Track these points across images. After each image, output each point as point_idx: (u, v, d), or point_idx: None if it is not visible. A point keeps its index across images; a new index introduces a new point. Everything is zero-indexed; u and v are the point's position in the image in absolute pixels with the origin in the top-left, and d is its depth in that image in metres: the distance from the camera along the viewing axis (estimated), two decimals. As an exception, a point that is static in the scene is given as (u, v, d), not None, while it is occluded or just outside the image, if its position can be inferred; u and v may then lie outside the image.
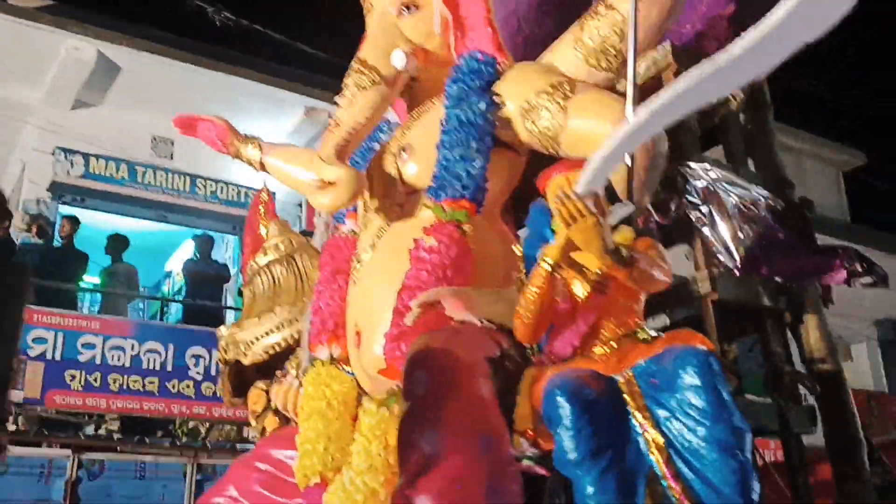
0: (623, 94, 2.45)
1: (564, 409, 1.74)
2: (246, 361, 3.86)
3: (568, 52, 2.79)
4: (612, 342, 1.97)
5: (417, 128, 2.96)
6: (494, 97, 2.75)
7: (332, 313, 3.04)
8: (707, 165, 2.34)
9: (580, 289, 1.95)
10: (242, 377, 4.13)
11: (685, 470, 1.66)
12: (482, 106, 2.71)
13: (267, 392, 4.12)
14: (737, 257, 2.40)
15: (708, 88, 1.61)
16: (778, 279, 2.45)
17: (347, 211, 3.28)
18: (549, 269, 1.92)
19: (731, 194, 2.33)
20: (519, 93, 2.73)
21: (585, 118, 2.54)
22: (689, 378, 1.68)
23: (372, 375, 2.69)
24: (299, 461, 2.70)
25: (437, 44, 3.07)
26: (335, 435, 2.69)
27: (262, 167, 4.29)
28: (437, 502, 1.75)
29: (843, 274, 2.37)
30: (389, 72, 2.95)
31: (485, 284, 2.52)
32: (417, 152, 2.88)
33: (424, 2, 3.11)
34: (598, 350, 1.98)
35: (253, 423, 4.38)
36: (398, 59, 2.95)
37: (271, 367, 4.03)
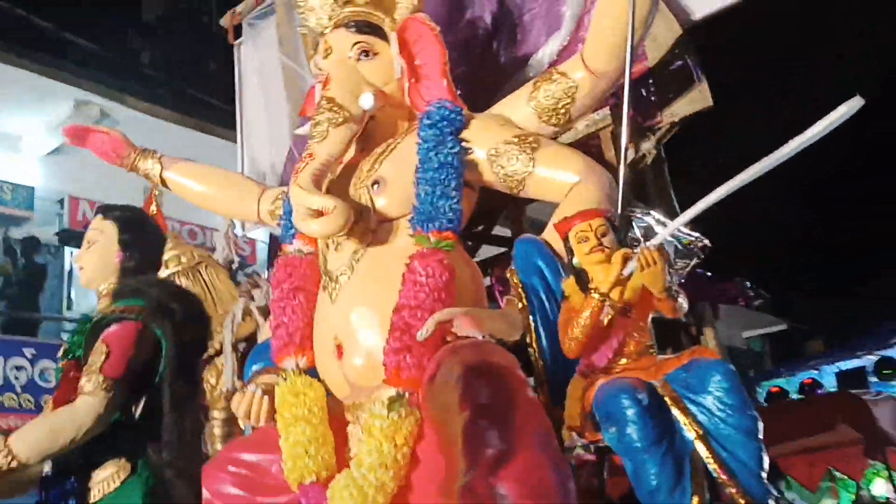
0: (567, 145, 3.08)
1: (630, 408, 2.27)
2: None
3: (522, 107, 3.33)
4: (633, 355, 2.53)
5: (387, 164, 3.32)
6: (463, 143, 3.21)
7: (297, 328, 3.31)
8: (648, 211, 2.98)
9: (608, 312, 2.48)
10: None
11: (720, 450, 2.26)
12: (455, 150, 3.16)
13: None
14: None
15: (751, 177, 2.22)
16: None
17: (297, 232, 3.55)
18: (601, 300, 2.44)
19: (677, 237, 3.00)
20: (486, 140, 3.22)
21: (551, 167, 3.10)
22: (719, 382, 2.29)
23: (353, 383, 3.04)
24: (293, 462, 2.94)
25: (393, 87, 3.46)
26: (322, 437, 2.99)
27: (163, 182, 4.36)
28: (519, 487, 2.20)
29: (741, 300, 3.13)
30: (357, 111, 3.29)
31: (462, 303, 2.98)
32: (390, 186, 3.25)
33: (381, 49, 3.49)
34: (622, 361, 2.53)
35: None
36: (367, 101, 3.30)
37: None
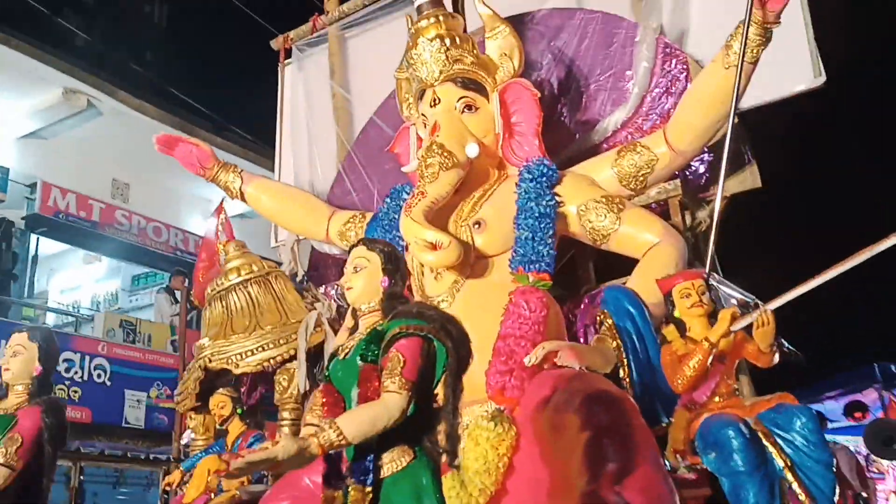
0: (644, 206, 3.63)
1: (735, 438, 2.78)
2: (237, 371, 4.27)
3: (606, 170, 3.86)
4: (725, 395, 3.05)
5: (487, 208, 3.78)
6: (556, 197, 3.70)
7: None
8: (717, 276, 3.53)
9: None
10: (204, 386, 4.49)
11: (804, 479, 2.79)
12: (553, 203, 3.66)
13: (232, 399, 4.53)
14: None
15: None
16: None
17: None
18: (711, 347, 2.96)
19: (731, 296, 3.55)
20: (577, 197, 3.73)
21: (635, 227, 3.63)
22: (805, 423, 2.83)
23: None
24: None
25: (490, 139, 3.94)
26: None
27: (241, 195, 4.73)
28: (641, 496, 2.68)
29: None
30: (463, 157, 3.77)
31: (551, 336, 3.45)
32: (490, 227, 3.72)
33: (482, 105, 3.98)
34: (717, 400, 3.04)
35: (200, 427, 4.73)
36: (473, 150, 3.78)
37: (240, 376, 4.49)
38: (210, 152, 4.71)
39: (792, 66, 4.01)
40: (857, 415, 10.12)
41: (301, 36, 6.15)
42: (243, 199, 4.77)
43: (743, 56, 3.38)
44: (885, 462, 8.89)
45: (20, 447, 2.95)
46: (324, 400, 2.24)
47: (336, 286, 4.80)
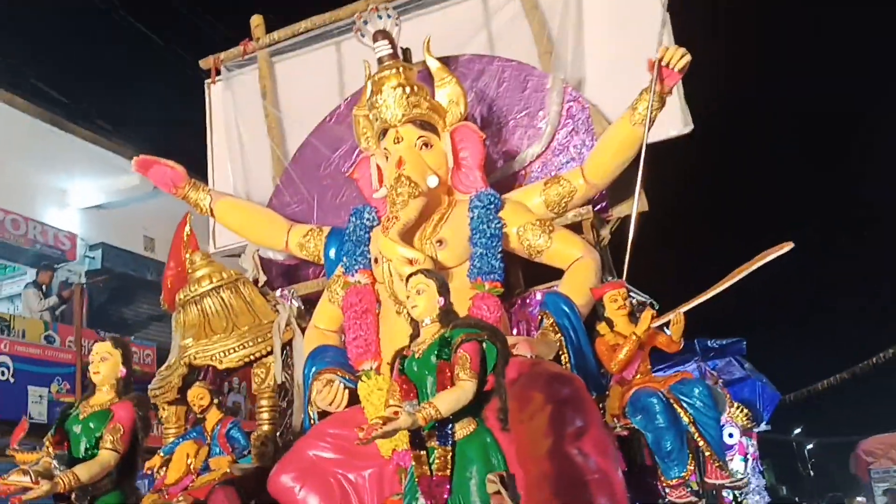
0: (566, 227, 4.69)
1: (657, 403, 3.85)
2: (220, 367, 4.94)
3: (535, 198, 4.88)
4: (645, 373, 4.12)
5: (446, 228, 4.67)
6: (501, 220, 4.66)
7: (371, 340, 4.57)
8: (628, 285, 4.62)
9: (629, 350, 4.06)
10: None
11: (702, 430, 3.89)
12: (500, 225, 4.61)
13: (210, 391, 5.18)
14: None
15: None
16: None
17: (360, 268, 4.77)
18: (637, 339, 4.00)
19: (634, 298, 4.66)
20: (517, 220, 4.70)
21: (563, 245, 4.66)
22: (700, 392, 3.95)
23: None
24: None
25: (443, 171, 4.82)
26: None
27: (210, 211, 5.37)
28: (596, 449, 3.69)
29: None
30: (425, 187, 4.64)
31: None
32: (449, 245, 4.62)
33: (435, 142, 4.86)
34: (638, 377, 4.10)
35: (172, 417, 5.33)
36: (433, 181, 4.66)
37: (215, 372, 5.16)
38: (183, 173, 5.32)
39: (669, 117, 5.13)
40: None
41: (231, 58, 6.74)
42: (212, 215, 5.41)
43: (650, 120, 4.48)
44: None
45: (122, 434, 3.54)
46: (402, 388, 3.08)
47: (292, 290, 5.55)
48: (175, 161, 5.48)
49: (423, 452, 2.98)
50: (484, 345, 2.98)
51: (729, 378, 10.28)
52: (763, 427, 10.39)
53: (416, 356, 3.10)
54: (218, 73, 6.81)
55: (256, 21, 6.76)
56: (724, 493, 6.87)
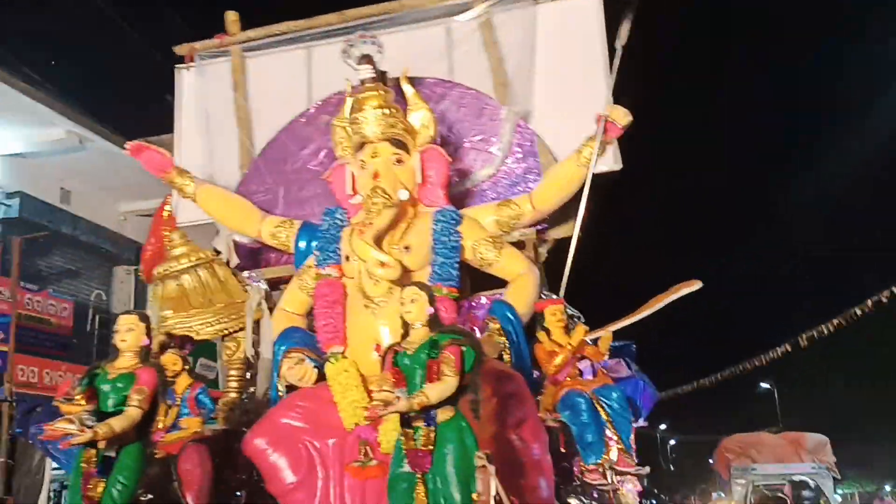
0: (514, 244, 5.51)
1: (583, 402, 4.70)
2: (197, 337, 5.53)
3: (489, 216, 5.65)
4: (574, 376, 4.98)
5: (412, 236, 5.37)
6: (459, 234, 5.41)
7: (338, 327, 5.25)
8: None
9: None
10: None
11: (617, 427, 4.78)
12: (457, 239, 5.37)
13: (182, 358, 5.74)
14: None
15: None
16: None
17: (331, 263, 5.43)
18: (572, 349, 4.84)
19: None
20: (472, 235, 5.46)
21: (509, 260, 5.46)
22: (618, 395, 4.83)
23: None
24: (351, 412, 4.86)
25: (411, 186, 5.53)
26: (364, 398, 4.98)
27: (193, 197, 5.92)
28: (532, 436, 4.51)
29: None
30: (397, 199, 5.34)
31: (452, 330, 5.20)
32: (414, 251, 5.33)
33: (407, 160, 5.56)
34: (569, 380, 4.94)
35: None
36: (404, 195, 5.37)
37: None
38: (171, 160, 5.84)
39: (602, 156, 5.97)
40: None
41: (206, 48, 7.22)
42: (194, 200, 5.95)
43: (594, 162, 5.34)
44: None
45: (147, 396, 4.11)
46: (394, 378, 3.81)
47: (259, 273, 6.16)
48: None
49: (411, 430, 3.73)
50: (464, 349, 3.75)
51: (616, 376, 11.34)
52: (641, 423, 11.55)
53: (409, 352, 3.84)
54: (191, 59, 7.27)
55: (232, 16, 7.25)
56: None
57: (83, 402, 4.02)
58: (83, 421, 3.80)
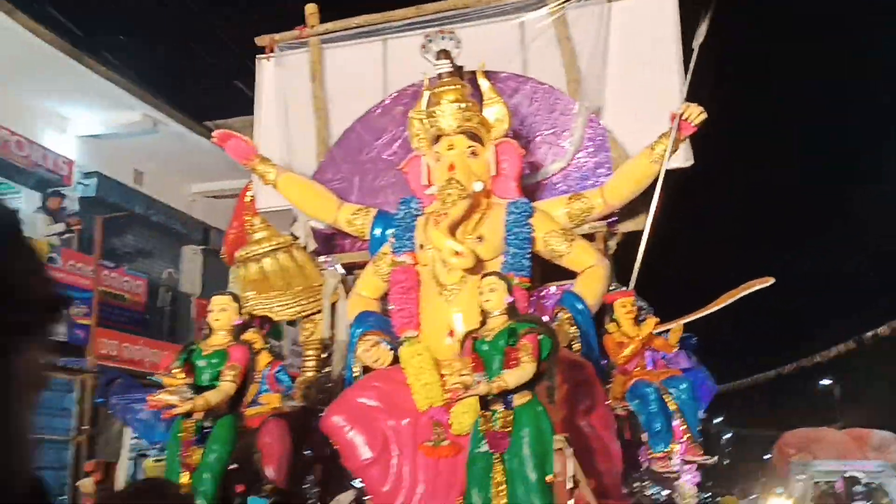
0: (584, 236, 5.65)
1: (652, 393, 4.85)
2: (276, 318, 5.80)
3: (560, 209, 5.80)
4: (642, 366, 5.13)
5: (485, 226, 5.56)
6: (531, 226, 5.57)
7: (412, 313, 5.47)
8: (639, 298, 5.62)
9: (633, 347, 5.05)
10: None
11: (685, 414, 4.93)
12: (529, 230, 5.53)
13: (263, 336, 6.02)
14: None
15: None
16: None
17: (406, 250, 5.65)
18: (641, 340, 4.99)
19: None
20: (543, 227, 5.62)
21: (580, 253, 5.61)
22: (686, 385, 4.97)
23: (456, 352, 5.31)
24: (425, 393, 5.09)
25: (485, 178, 5.71)
26: (438, 380, 5.18)
27: (275, 184, 6.18)
28: (600, 423, 4.68)
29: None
30: (472, 190, 5.52)
31: (523, 319, 5.38)
32: (487, 241, 5.52)
33: (481, 153, 5.73)
34: (637, 370, 5.10)
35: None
36: (479, 186, 5.55)
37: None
38: (255, 148, 6.11)
39: (675, 153, 6.08)
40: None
41: (285, 39, 7.47)
42: (275, 187, 6.22)
43: (668, 159, 5.45)
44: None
45: (239, 372, 4.39)
46: (473, 363, 4.01)
47: (335, 258, 6.41)
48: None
49: (489, 413, 3.92)
50: (541, 337, 3.93)
51: (675, 367, 11.41)
52: (700, 415, 11.59)
53: (487, 339, 4.03)
54: (272, 50, 7.53)
55: (311, 9, 7.48)
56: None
57: (182, 375, 4.30)
58: (182, 393, 4.08)
